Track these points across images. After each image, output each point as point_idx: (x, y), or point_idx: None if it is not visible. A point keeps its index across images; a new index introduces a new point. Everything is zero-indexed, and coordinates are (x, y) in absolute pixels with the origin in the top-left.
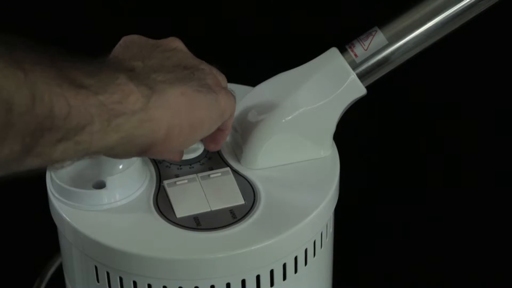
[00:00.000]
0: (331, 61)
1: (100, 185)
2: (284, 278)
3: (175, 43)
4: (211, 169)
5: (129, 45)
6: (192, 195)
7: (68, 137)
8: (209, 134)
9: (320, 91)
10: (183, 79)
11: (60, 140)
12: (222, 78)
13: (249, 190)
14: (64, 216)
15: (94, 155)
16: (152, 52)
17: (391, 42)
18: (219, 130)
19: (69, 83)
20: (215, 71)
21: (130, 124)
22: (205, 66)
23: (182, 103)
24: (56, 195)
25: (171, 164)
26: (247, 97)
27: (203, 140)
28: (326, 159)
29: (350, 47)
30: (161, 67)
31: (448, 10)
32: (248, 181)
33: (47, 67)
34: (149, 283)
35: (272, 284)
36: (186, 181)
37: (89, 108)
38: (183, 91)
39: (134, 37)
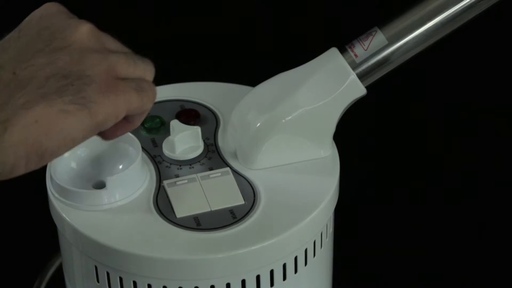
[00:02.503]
0: (331, 61)
1: (100, 185)
2: (284, 278)
3: (77, 35)
4: (211, 169)
5: (28, 28)
6: (192, 195)
7: None
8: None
9: (320, 91)
10: (52, 94)
11: None
12: (141, 68)
13: (249, 190)
14: (64, 216)
15: None
16: (38, 53)
17: (391, 42)
18: (126, 120)
19: None
20: (128, 62)
21: None
22: (96, 69)
23: (35, 133)
24: (56, 195)
25: (171, 164)
26: (247, 97)
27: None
28: (326, 159)
29: (350, 47)
30: (31, 80)
31: (448, 10)
32: (248, 181)
33: None
34: (149, 283)
35: (272, 284)
36: (186, 181)
37: None
38: (41, 116)
39: (50, 12)
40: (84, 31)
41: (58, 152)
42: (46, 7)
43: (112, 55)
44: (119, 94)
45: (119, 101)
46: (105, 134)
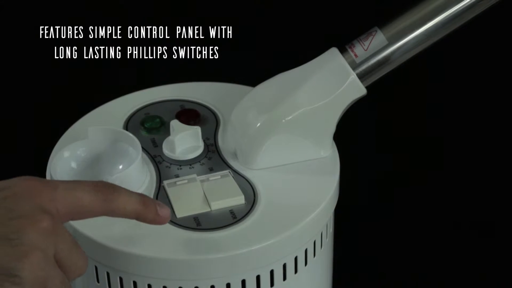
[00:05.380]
0: (331, 61)
1: None
2: (284, 278)
3: (32, 232)
4: (211, 169)
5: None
6: (192, 195)
7: None
8: None
9: (320, 91)
10: None
11: None
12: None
13: (249, 190)
14: None
15: None
16: None
17: (391, 42)
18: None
19: None
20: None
21: None
22: (30, 275)
23: None
24: None
25: (171, 164)
26: (247, 97)
27: None
28: (326, 159)
29: (350, 47)
30: None
31: (448, 10)
32: (248, 181)
33: None
34: (149, 283)
35: (272, 284)
36: (186, 181)
37: None
38: None
39: (21, 192)
40: (40, 231)
41: None
42: (22, 185)
43: (55, 270)
44: None
45: None
46: None
